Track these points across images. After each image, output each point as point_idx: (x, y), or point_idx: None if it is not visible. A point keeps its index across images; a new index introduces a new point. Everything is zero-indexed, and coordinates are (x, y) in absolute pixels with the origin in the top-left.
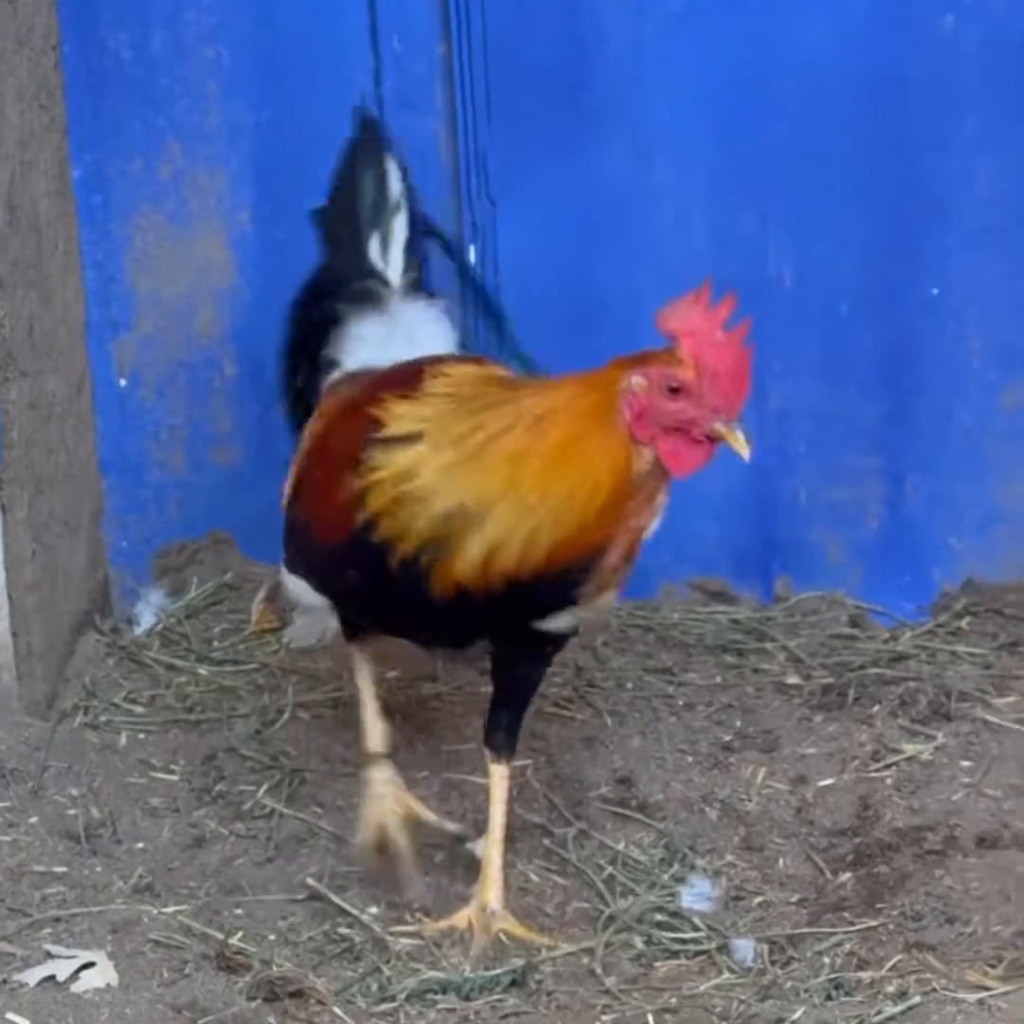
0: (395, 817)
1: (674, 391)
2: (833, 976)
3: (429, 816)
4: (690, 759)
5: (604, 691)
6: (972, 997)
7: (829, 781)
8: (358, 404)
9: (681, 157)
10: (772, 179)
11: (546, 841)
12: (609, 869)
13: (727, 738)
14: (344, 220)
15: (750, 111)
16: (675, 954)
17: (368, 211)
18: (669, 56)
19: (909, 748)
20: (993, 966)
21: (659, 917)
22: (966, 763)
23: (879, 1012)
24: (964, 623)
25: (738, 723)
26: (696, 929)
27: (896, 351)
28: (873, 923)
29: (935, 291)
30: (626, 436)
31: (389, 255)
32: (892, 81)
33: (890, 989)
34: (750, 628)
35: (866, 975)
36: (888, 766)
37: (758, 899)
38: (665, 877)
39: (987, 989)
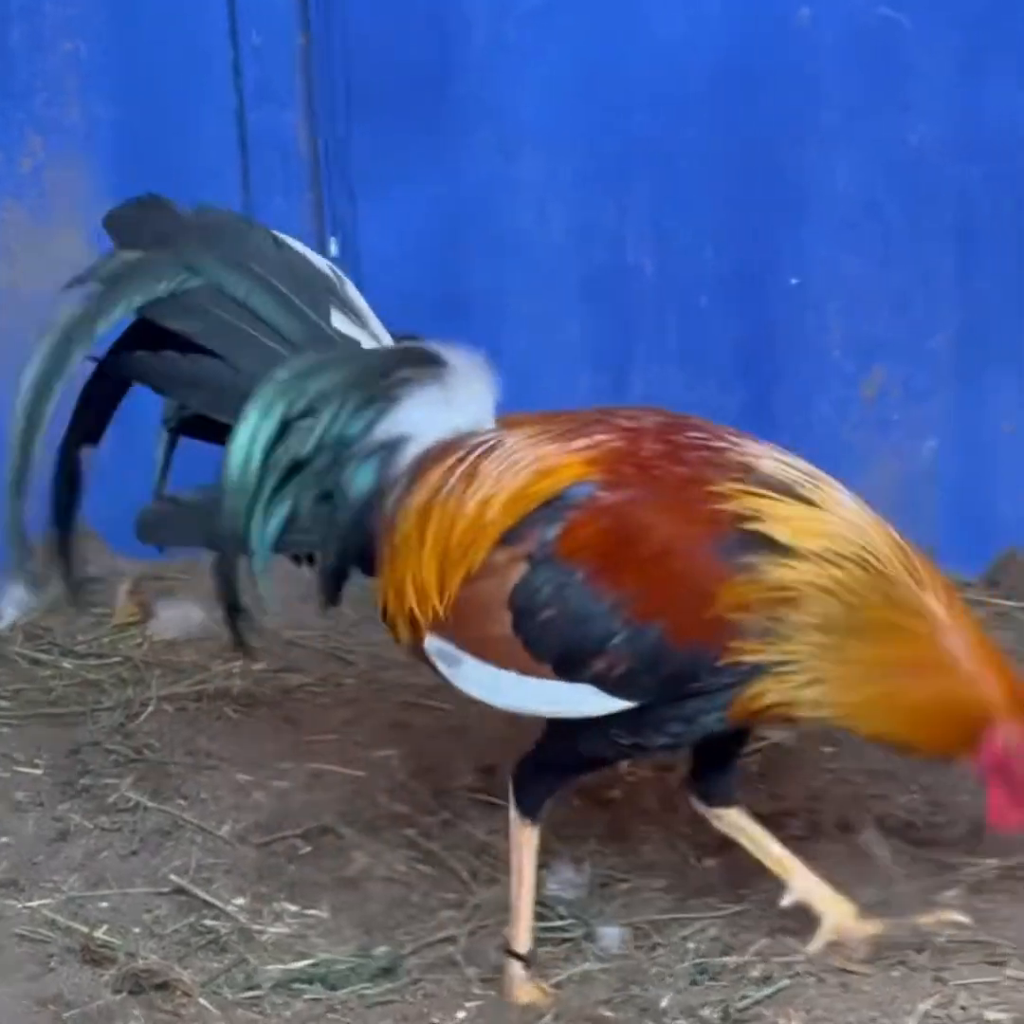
0: None
1: None
2: (698, 961)
3: None
4: None
5: None
6: (835, 980)
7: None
8: (667, 484)
9: (543, 150)
10: (632, 171)
11: (410, 831)
12: (473, 859)
13: None
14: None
15: (610, 104)
16: (541, 942)
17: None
18: (530, 50)
19: (773, 734)
20: (856, 950)
21: None
22: (828, 749)
23: (744, 996)
24: None
25: None
26: (562, 917)
27: (756, 341)
28: (738, 908)
29: (794, 281)
30: (970, 750)
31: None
32: (749, 74)
33: (755, 973)
34: None
35: (731, 960)
36: (752, 753)
37: (623, 886)
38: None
39: (849, 972)
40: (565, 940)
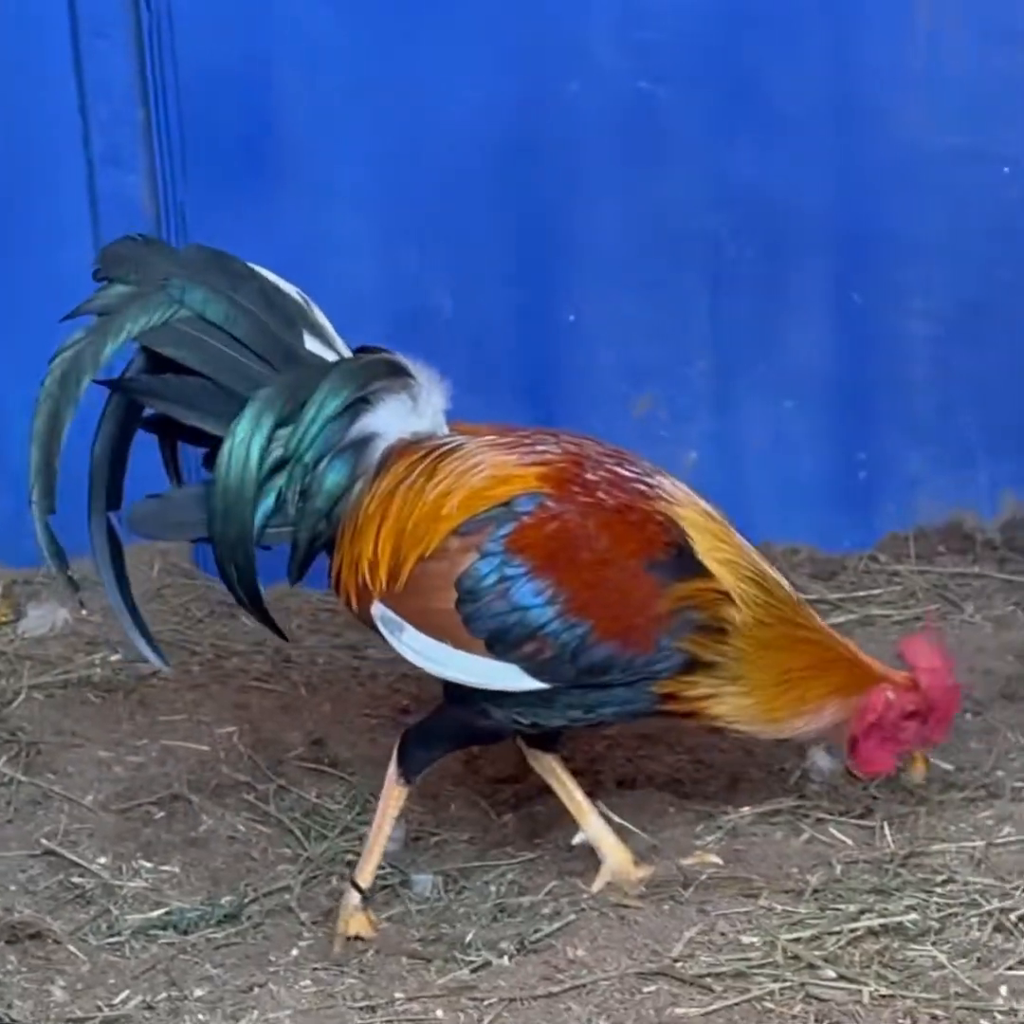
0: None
1: (910, 715)
2: (498, 901)
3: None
4: (374, 722)
5: (299, 666)
6: (614, 914)
7: None
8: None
9: (354, 210)
10: (432, 227)
11: (250, 796)
12: (305, 819)
13: (405, 703)
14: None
15: (413, 169)
16: None
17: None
18: (343, 123)
19: None
20: (634, 888)
21: (350, 858)
22: None
23: (537, 929)
24: None
25: (413, 690)
26: (381, 867)
27: (540, 369)
28: (532, 856)
29: (572, 318)
30: (840, 722)
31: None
32: (529, 140)
33: (546, 910)
34: None
35: (526, 900)
36: None
37: (434, 839)
38: (354, 823)
39: (626, 907)
40: (384, 887)
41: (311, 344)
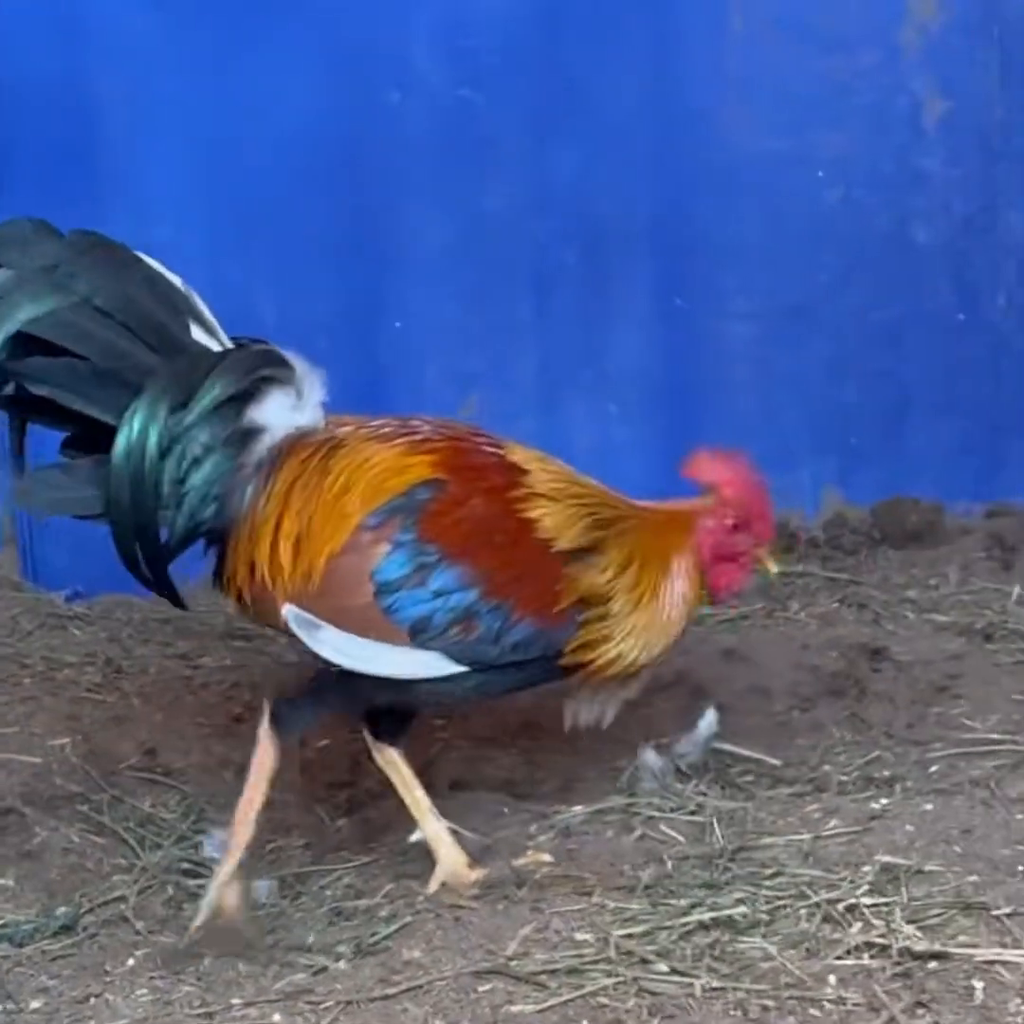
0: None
1: (734, 528)
2: (335, 905)
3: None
4: (207, 730)
5: (131, 676)
6: (449, 915)
7: (325, 742)
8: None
9: (177, 218)
10: (256, 235)
11: (84, 807)
12: (140, 828)
13: (238, 711)
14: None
15: (235, 177)
16: (200, 897)
17: None
18: (164, 129)
19: None
20: (468, 889)
21: (185, 866)
22: (439, 721)
23: (374, 932)
24: None
25: (247, 698)
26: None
27: (367, 375)
28: (367, 859)
29: (398, 325)
30: (696, 573)
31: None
32: (352, 149)
33: (383, 913)
34: None
35: (363, 903)
36: None
37: (270, 845)
38: (189, 832)
39: (462, 907)
40: None
41: (196, 333)
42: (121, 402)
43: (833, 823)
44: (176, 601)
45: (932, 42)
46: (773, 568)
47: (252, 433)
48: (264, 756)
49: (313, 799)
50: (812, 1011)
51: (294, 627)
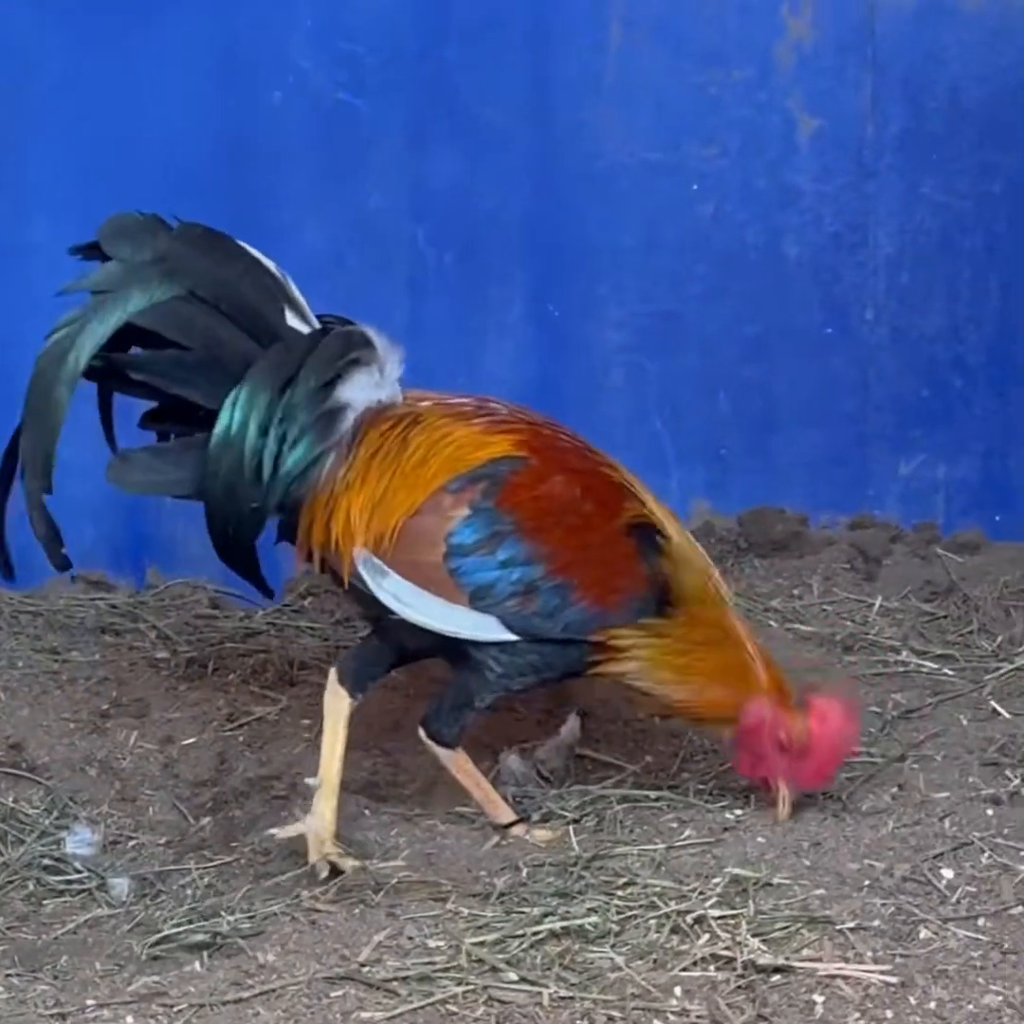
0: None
1: (781, 744)
2: (194, 905)
3: None
4: (73, 726)
5: None
6: (306, 918)
7: (192, 740)
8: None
9: (56, 215)
10: None
11: None
12: (2, 823)
13: (105, 707)
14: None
15: (116, 174)
16: (61, 893)
17: None
18: (43, 126)
19: (259, 710)
20: (325, 891)
21: (46, 862)
22: (306, 721)
23: (230, 934)
24: (306, 602)
25: (114, 693)
26: (78, 871)
27: None
28: (229, 859)
29: None
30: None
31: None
32: (233, 149)
33: (240, 914)
34: (125, 611)
35: (221, 903)
36: (241, 726)
37: (132, 843)
38: (52, 828)
39: (318, 910)
40: (81, 891)
41: (290, 318)
42: (219, 389)
43: (687, 833)
44: (262, 587)
45: (806, 59)
46: (779, 811)
47: (338, 411)
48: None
49: (176, 797)
50: (656, 1022)
51: (361, 569)
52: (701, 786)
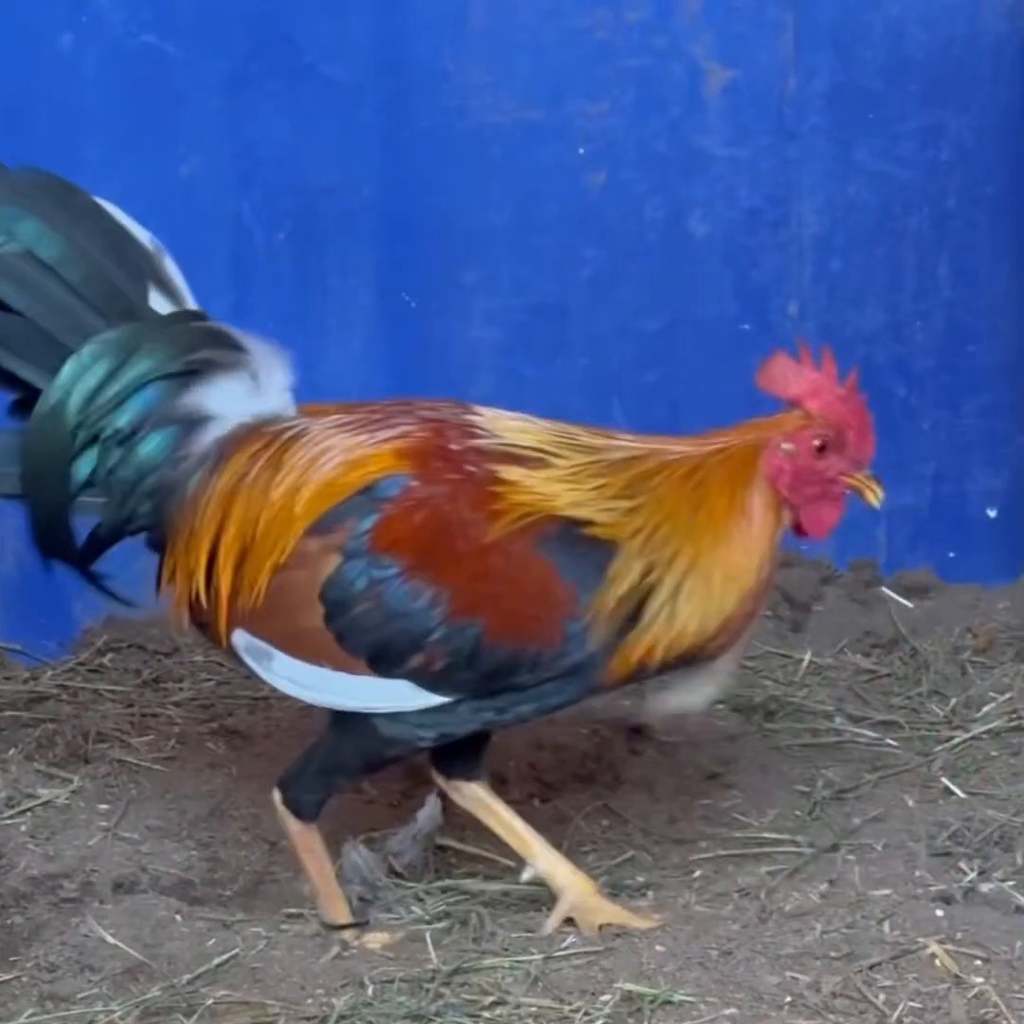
0: None
1: (821, 450)
2: None
3: None
4: None
5: None
6: None
7: None
8: (478, 482)
9: None
10: None
11: None
12: None
13: None
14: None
15: None
16: None
17: None
18: None
19: (45, 792)
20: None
21: None
22: (104, 806)
23: None
24: (106, 659)
25: None
26: None
27: None
28: (6, 977)
29: None
30: (775, 505)
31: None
32: (16, 103)
33: None
34: None
35: None
36: (23, 812)
37: None
38: None
39: None
40: None
41: (156, 300)
42: (54, 365)
43: (570, 940)
44: (108, 592)
45: None
46: (876, 498)
47: (194, 420)
48: (305, 844)
49: None
50: None
51: (245, 657)
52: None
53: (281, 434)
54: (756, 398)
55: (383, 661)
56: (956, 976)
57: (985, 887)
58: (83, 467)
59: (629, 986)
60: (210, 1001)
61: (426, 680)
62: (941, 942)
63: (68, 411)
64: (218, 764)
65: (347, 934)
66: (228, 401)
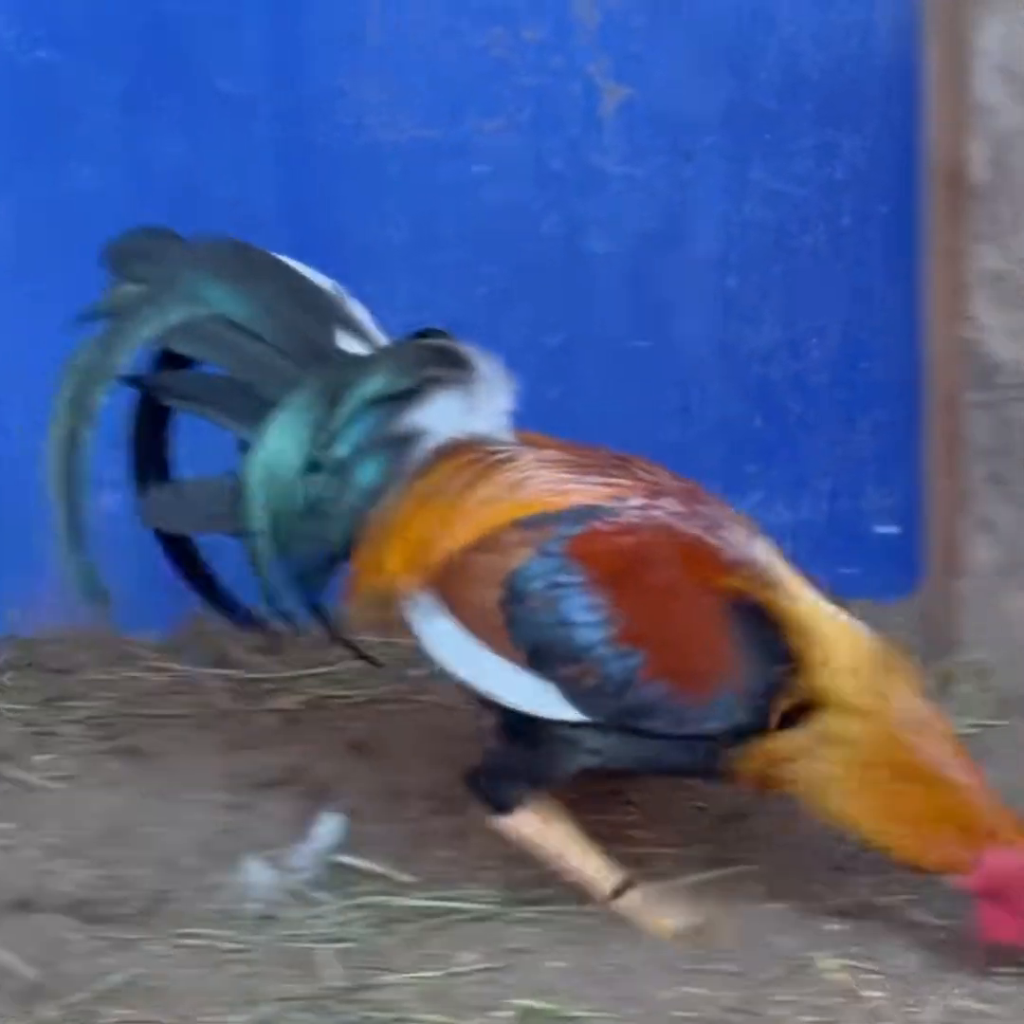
0: None
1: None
2: None
3: None
4: None
5: None
6: None
7: None
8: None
9: None
10: None
11: None
12: None
13: None
14: None
15: None
16: None
17: None
18: None
19: None
20: None
21: None
22: (3, 825)
23: None
24: (5, 678)
25: None
26: None
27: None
28: None
29: None
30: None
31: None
32: None
33: None
34: None
35: None
36: None
37: None
38: None
39: None
40: None
41: (344, 341)
42: (256, 415)
43: (470, 957)
44: (335, 634)
45: (612, 17)
46: None
47: (409, 438)
48: (524, 832)
49: None
50: None
51: (408, 607)
52: (489, 900)
53: (491, 454)
54: (655, 415)
55: (539, 658)
56: (851, 990)
57: (881, 901)
58: (310, 505)
59: (528, 1002)
60: (108, 1020)
61: (572, 692)
62: (837, 956)
63: (289, 456)
64: (117, 783)
65: (631, 899)
66: (442, 417)
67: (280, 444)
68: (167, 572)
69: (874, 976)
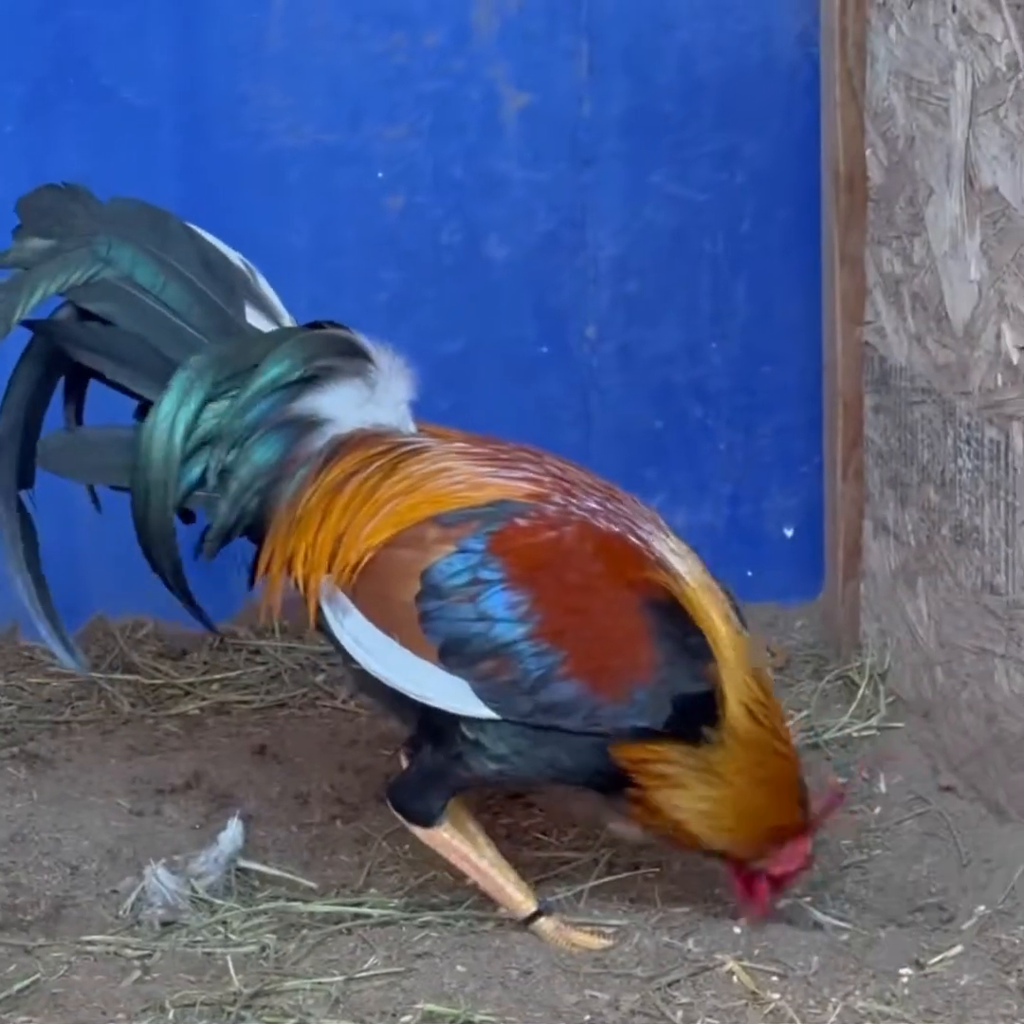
0: None
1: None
2: None
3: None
4: None
5: None
6: None
7: None
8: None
9: None
10: None
11: None
12: None
13: None
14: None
15: None
16: None
17: None
18: None
19: None
20: None
21: None
22: None
23: None
24: None
25: None
26: None
27: None
28: None
29: None
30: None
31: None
32: None
33: None
34: None
35: None
36: None
37: None
38: None
39: None
40: None
41: (253, 317)
42: (162, 377)
43: (372, 961)
44: (199, 615)
45: (510, 23)
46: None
47: (307, 423)
48: (438, 843)
49: None
50: None
51: (324, 601)
52: (391, 904)
53: (401, 446)
54: (556, 420)
55: (454, 655)
56: (753, 992)
57: (782, 903)
58: (193, 476)
59: (430, 1006)
60: None
61: (485, 688)
62: (739, 959)
63: (175, 434)
64: (18, 789)
65: (547, 923)
66: (342, 406)
67: (179, 403)
68: (65, 576)
69: (775, 978)
